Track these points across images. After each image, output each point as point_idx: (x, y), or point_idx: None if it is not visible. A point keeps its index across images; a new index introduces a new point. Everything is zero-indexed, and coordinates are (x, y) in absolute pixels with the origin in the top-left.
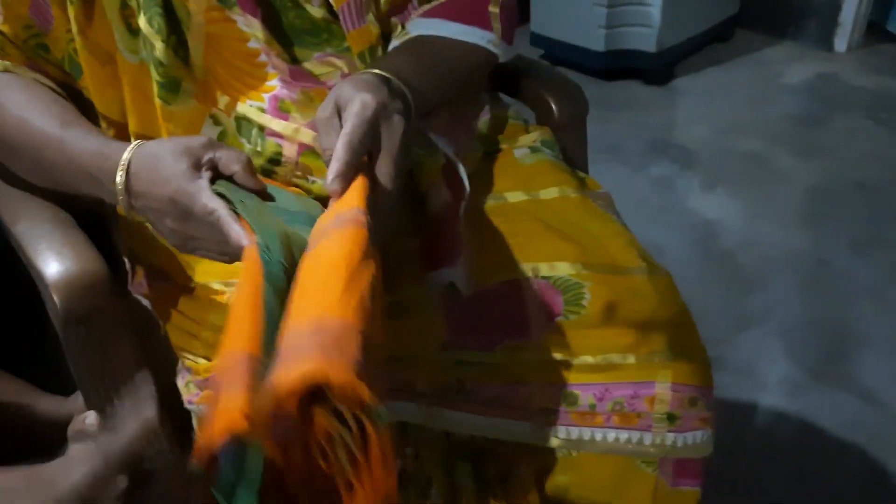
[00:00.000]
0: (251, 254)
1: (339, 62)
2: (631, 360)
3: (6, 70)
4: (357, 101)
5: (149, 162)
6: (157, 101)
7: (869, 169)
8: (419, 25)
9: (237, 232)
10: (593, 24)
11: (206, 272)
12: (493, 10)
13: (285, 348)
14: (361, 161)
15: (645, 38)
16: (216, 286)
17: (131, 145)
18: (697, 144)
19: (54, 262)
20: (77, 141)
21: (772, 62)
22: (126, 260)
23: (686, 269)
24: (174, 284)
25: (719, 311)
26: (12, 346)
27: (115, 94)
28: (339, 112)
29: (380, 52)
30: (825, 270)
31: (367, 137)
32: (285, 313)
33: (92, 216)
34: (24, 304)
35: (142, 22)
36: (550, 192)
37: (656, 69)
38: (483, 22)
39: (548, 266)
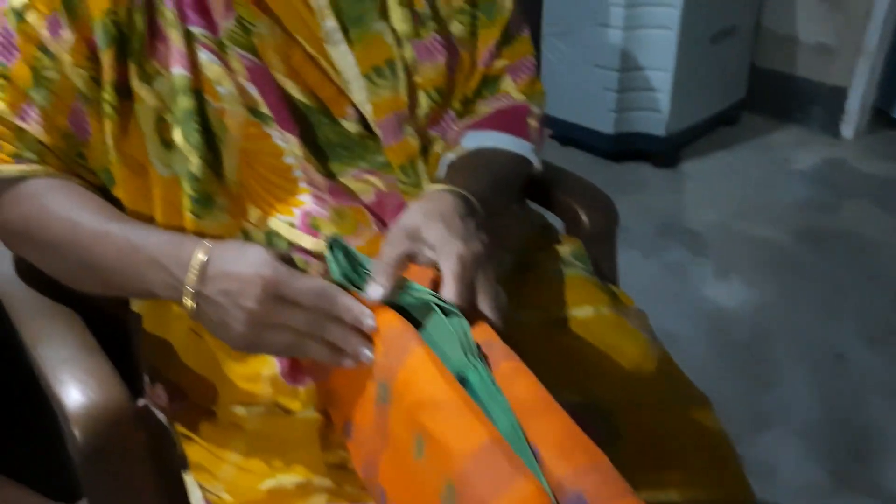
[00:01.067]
0: (404, 332)
1: (374, 179)
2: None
3: (49, 175)
4: (453, 259)
5: (233, 245)
6: (188, 216)
7: (881, 259)
8: (474, 138)
9: (364, 295)
10: (603, 107)
11: (231, 396)
12: (532, 123)
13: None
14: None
15: (654, 121)
16: (240, 411)
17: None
18: (709, 230)
19: (76, 392)
20: (137, 230)
21: (779, 147)
22: (145, 375)
23: (700, 361)
24: (195, 406)
25: (736, 406)
26: (18, 451)
27: (146, 205)
28: (412, 235)
29: (421, 165)
30: (842, 365)
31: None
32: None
33: (114, 325)
34: (31, 405)
35: (177, 136)
36: (585, 311)
37: (665, 152)
38: (525, 133)
39: (581, 393)
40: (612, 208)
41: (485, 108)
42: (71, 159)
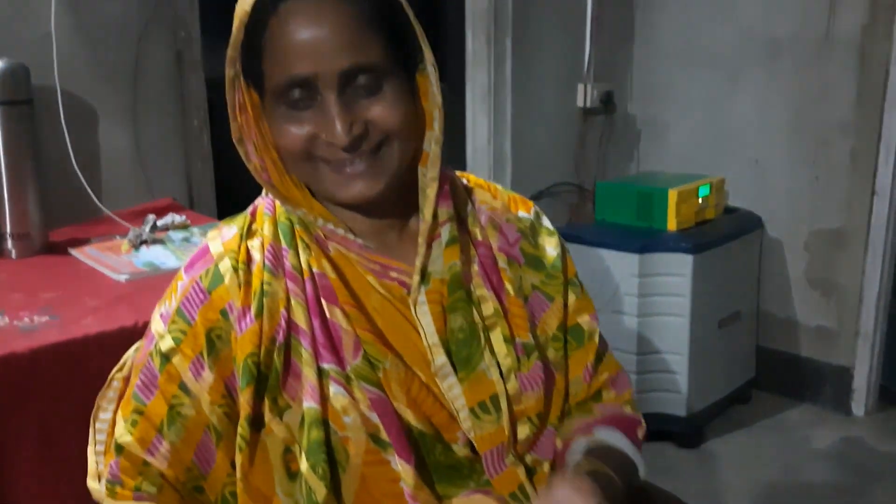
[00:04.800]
0: None
1: (484, 498)
2: None
3: None
4: None
5: None
6: None
7: None
8: (606, 433)
9: None
10: None
11: None
12: (640, 434)
13: None
14: None
15: (674, 402)
16: None
17: None
18: None
19: None
20: None
21: (795, 426)
22: None
23: None
24: None
25: None
26: None
27: None
28: None
29: (529, 489)
30: None
31: None
32: None
33: None
34: None
35: (303, 467)
36: None
37: (687, 432)
38: (637, 443)
39: None
40: None
41: (600, 411)
42: (188, 492)
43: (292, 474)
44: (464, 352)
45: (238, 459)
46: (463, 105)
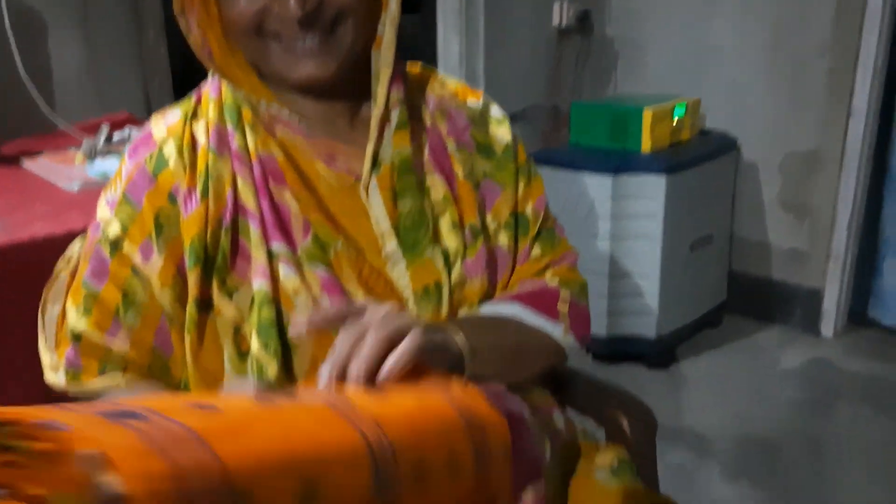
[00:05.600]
0: None
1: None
2: None
3: (131, 386)
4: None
5: None
6: None
7: (880, 463)
8: (490, 306)
9: None
10: (595, 312)
11: None
12: (562, 308)
13: None
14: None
15: (644, 324)
16: None
17: None
18: (710, 431)
19: None
20: None
21: (764, 347)
22: None
23: None
24: None
25: None
26: None
27: None
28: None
29: None
30: None
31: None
32: None
33: None
34: None
35: (254, 346)
36: None
37: (657, 354)
38: (553, 315)
39: None
40: (651, 415)
41: (519, 287)
42: (155, 373)
43: (242, 354)
44: (411, 237)
45: (187, 340)
46: (434, 25)
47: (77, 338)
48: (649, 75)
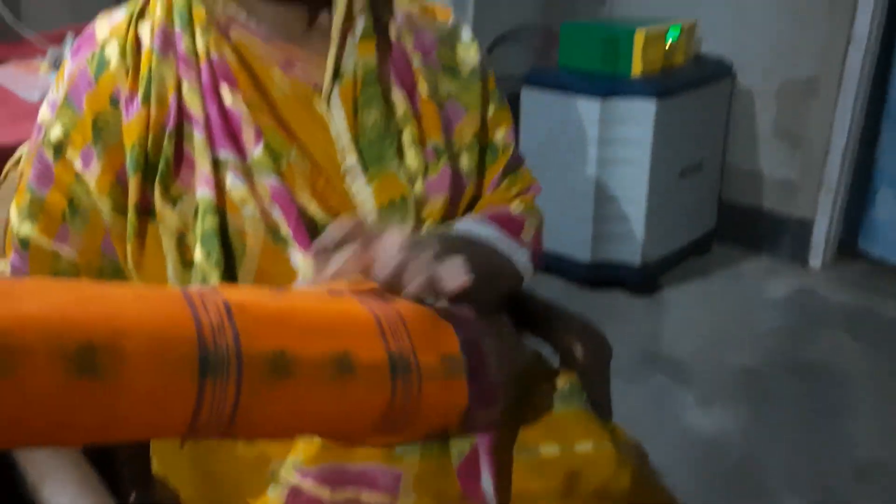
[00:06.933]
0: None
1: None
2: None
3: None
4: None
5: None
6: None
7: (858, 391)
8: (466, 224)
9: None
10: (579, 237)
11: None
12: (526, 237)
13: None
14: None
15: (629, 251)
16: None
17: None
18: (689, 358)
19: None
20: None
21: (751, 276)
22: None
23: (690, 494)
24: None
25: None
26: None
27: None
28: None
29: None
30: (831, 497)
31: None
32: None
33: None
34: None
35: (198, 255)
36: (585, 447)
37: (641, 280)
38: (520, 242)
39: None
40: (606, 343)
41: (484, 211)
42: (108, 278)
43: (186, 263)
44: (375, 150)
45: (128, 248)
46: None
47: (24, 244)
48: None
